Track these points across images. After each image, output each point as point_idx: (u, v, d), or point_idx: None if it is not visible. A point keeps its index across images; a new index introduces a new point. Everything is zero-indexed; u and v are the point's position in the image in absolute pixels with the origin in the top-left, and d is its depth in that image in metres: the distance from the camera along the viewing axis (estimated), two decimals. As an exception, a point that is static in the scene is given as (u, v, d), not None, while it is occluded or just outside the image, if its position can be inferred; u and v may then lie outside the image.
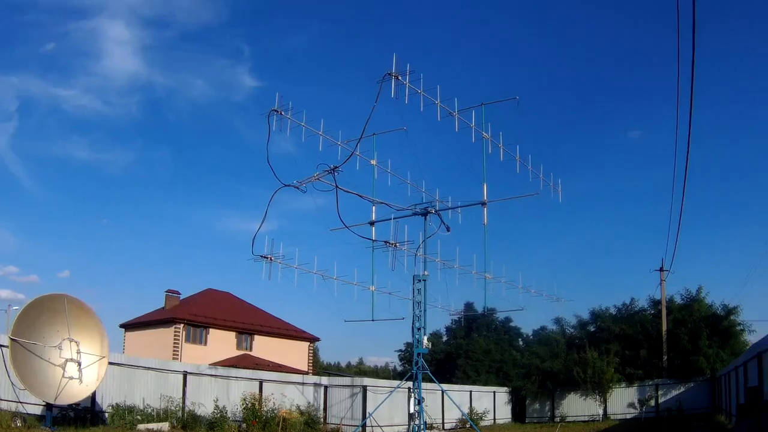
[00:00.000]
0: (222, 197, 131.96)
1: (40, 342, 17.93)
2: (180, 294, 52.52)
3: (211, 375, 27.64)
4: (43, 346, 17.94)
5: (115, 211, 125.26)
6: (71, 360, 18.35)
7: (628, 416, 40.27)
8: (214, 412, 24.35)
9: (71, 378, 18.21)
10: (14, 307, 18.70)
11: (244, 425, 25.17)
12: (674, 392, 40.16)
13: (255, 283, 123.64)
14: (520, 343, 59.05)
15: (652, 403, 40.09)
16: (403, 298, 23.11)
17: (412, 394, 21.77)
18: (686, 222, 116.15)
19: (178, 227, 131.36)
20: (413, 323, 21.92)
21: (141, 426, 21.12)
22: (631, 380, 41.97)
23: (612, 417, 40.86)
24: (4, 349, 19.49)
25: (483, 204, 21.19)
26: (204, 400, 25.44)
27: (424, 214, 22.20)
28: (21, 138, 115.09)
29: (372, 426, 28.63)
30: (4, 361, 19.68)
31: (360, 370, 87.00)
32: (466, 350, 55.79)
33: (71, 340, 18.50)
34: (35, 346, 17.78)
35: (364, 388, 30.42)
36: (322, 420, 29.56)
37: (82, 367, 18.61)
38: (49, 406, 18.01)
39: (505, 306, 29.43)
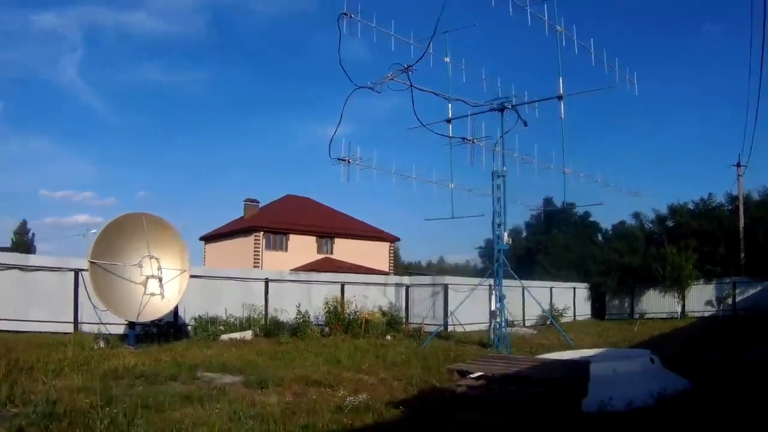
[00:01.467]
0: (299, 106, 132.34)
1: (120, 262, 18.03)
2: (259, 202, 52.75)
3: (293, 281, 27.83)
4: (123, 266, 18.07)
5: (192, 129, 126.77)
6: (152, 277, 18.44)
7: (706, 314, 39.33)
8: (296, 317, 24.48)
9: (153, 294, 18.37)
10: (92, 231, 18.78)
11: (327, 329, 25.30)
12: (751, 291, 38.86)
13: (334, 188, 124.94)
14: (599, 238, 57.66)
15: (729, 301, 39.06)
16: (483, 195, 22.64)
17: (494, 292, 21.30)
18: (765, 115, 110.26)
19: (256, 140, 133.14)
20: (493, 220, 21.38)
21: (224, 336, 21.33)
22: (709, 277, 40.79)
23: (690, 314, 39.86)
24: (83, 273, 19.81)
25: (559, 98, 20.16)
26: (286, 306, 25.55)
27: (501, 109, 21.25)
28: (89, 67, 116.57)
29: (454, 324, 28.47)
30: (84, 284, 20.02)
31: (441, 268, 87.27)
32: (545, 246, 55.09)
33: (151, 257, 18.55)
34: (115, 267, 17.93)
35: (446, 287, 30.25)
36: (404, 320, 29.55)
37: (163, 282, 18.69)
38: (131, 325, 18.27)
39: (585, 200, 28.63)
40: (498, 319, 20.85)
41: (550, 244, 55.55)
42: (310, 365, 15.36)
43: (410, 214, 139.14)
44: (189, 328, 22.52)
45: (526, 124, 21.06)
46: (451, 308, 29.07)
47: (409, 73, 17.94)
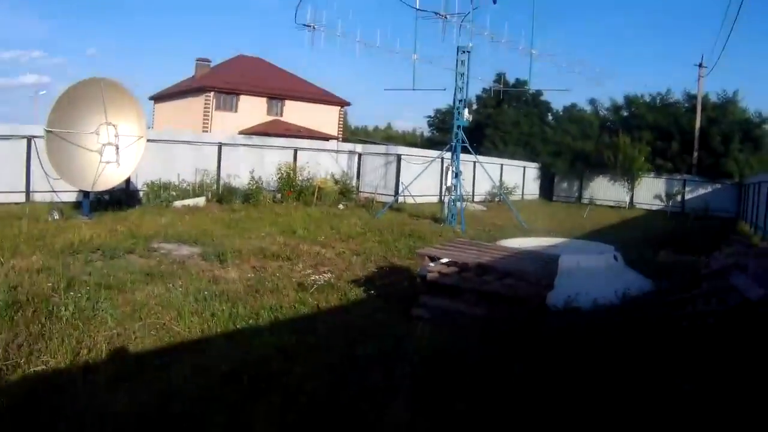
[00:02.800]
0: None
1: (76, 130, 17.33)
2: (210, 62, 51.28)
3: (246, 145, 27.33)
4: (79, 134, 17.36)
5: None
6: (109, 144, 17.74)
7: (654, 208, 40.24)
8: (249, 183, 24.37)
9: (108, 162, 17.73)
10: (41, 92, 17.95)
11: (279, 195, 25.25)
12: (701, 191, 39.80)
13: (289, 50, 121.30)
14: (550, 118, 57.50)
15: (679, 198, 39.96)
16: (445, 68, 22.44)
17: (450, 168, 21.38)
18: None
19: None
20: (455, 95, 21.24)
21: (177, 203, 21.16)
22: (660, 172, 41.47)
23: (637, 206, 40.81)
24: (36, 140, 19.14)
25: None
26: (239, 171, 25.42)
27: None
28: None
29: (404, 196, 28.69)
30: (37, 152, 19.35)
31: (387, 135, 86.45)
32: (495, 121, 54.69)
33: (108, 124, 17.76)
34: (71, 135, 17.21)
35: (399, 157, 30.24)
36: (356, 189, 29.62)
37: (120, 149, 18.07)
38: (85, 194, 17.78)
39: (548, 84, 28.47)
40: (453, 195, 21.03)
41: (500, 119, 55.05)
42: (265, 235, 15.39)
43: (364, 79, 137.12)
44: (141, 194, 22.11)
45: (495, 1, 20.55)
46: (403, 179, 29.21)
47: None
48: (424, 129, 72.50)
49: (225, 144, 26.13)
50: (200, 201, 22.02)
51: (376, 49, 21.03)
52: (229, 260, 11.78)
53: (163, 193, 21.70)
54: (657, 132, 42.47)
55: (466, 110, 21.42)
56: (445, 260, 8.53)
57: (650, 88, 59.67)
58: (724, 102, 42.76)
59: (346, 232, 16.82)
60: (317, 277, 10.81)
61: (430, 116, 63.77)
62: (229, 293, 9.03)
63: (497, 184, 35.57)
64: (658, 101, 46.08)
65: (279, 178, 26.04)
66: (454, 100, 21.45)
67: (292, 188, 25.60)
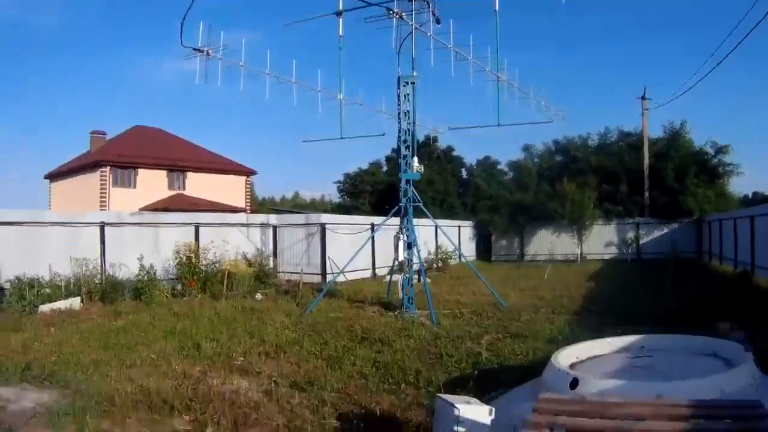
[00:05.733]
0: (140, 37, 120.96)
1: None
2: (106, 134, 47.50)
3: (135, 223, 21.93)
4: None
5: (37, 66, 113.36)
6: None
7: (606, 257, 37.22)
8: (139, 273, 19.20)
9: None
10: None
11: (180, 285, 20.28)
12: (657, 233, 37.28)
13: (187, 117, 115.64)
14: (463, 173, 54.41)
15: (631, 243, 37.30)
16: (376, 110, 19.07)
17: (401, 236, 16.70)
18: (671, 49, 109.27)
19: (105, 70, 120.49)
20: (399, 140, 16.71)
21: (44, 306, 16.11)
22: (610, 217, 38.47)
23: (588, 257, 37.39)
24: None
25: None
26: (128, 258, 19.87)
27: (409, -1, 16.32)
28: None
29: (332, 272, 24.12)
30: None
31: (296, 204, 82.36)
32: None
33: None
34: None
35: (323, 227, 25.40)
36: (273, 270, 24.83)
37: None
38: None
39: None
40: (406, 273, 16.31)
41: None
42: (157, 357, 10.68)
43: (266, 141, 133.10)
44: (7, 292, 16.82)
45: (438, 22, 16.29)
46: (330, 253, 24.69)
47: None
48: (333, 195, 68.48)
49: (108, 224, 20.72)
50: (75, 302, 16.89)
51: (292, 86, 16.40)
52: (92, 418, 7.13)
53: (29, 293, 16.47)
54: (602, 175, 39.61)
55: (416, 159, 16.78)
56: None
57: (590, 128, 57.16)
58: (672, 135, 40.17)
59: (273, 339, 12.10)
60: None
61: (339, 181, 59.85)
62: None
63: (432, 248, 31.42)
64: (600, 141, 43.73)
65: (178, 264, 20.98)
66: (398, 146, 16.80)
67: (195, 276, 20.63)
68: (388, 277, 19.82)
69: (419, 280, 16.95)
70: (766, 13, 18.14)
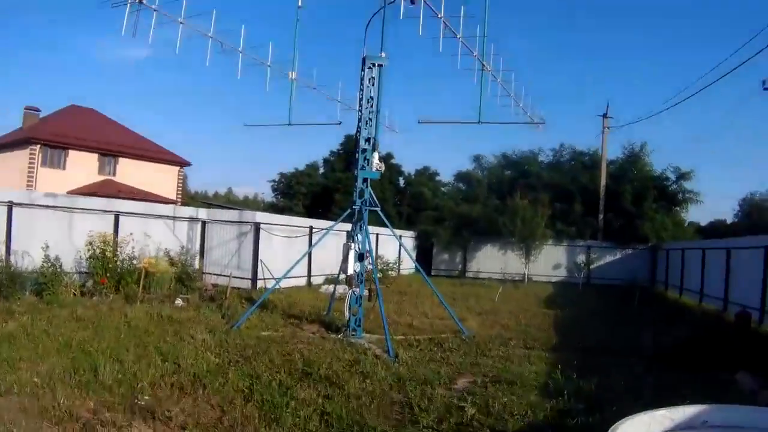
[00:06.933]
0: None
1: None
2: (40, 111, 45.28)
3: (49, 206, 18.53)
4: None
5: None
6: None
7: (554, 279, 35.51)
8: (44, 265, 16.30)
9: None
10: None
11: (90, 282, 17.40)
12: (610, 257, 35.71)
13: (124, 99, 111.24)
14: (400, 182, 52.37)
15: (589, 266, 35.48)
16: (328, 98, 16.72)
17: (352, 245, 14.11)
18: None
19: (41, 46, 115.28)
20: (359, 131, 14.08)
21: None
22: (561, 238, 36.55)
23: (534, 278, 35.36)
24: None
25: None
26: (37, 246, 16.82)
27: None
28: None
29: (263, 278, 21.57)
30: None
31: (228, 200, 79.60)
32: (345, 185, 49.01)
33: None
34: None
35: (257, 227, 22.77)
36: (199, 271, 22.09)
37: None
38: None
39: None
40: (356, 288, 13.71)
41: (350, 183, 49.20)
42: (41, 381, 8.16)
43: (205, 128, 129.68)
44: None
45: (413, 2, 13.79)
46: (262, 256, 22.17)
47: None
48: (267, 194, 65.79)
49: (18, 204, 17.39)
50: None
51: (238, 56, 13.60)
52: None
53: None
54: (555, 192, 37.60)
55: (377, 155, 14.14)
56: None
57: (542, 143, 55.95)
58: (630, 156, 38.68)
59: (191, 366, 9.52)
60: None
61: (274, 180, 57.16)
62: None
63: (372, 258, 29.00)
64: (554, 158, 42.11)
65: (90, 257, 18.06)
66: (356, 138, 14.09)
67: (109, 272, 17.79)
68: (330, 288, 17.31)
69: (370, 299, 14.32)
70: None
